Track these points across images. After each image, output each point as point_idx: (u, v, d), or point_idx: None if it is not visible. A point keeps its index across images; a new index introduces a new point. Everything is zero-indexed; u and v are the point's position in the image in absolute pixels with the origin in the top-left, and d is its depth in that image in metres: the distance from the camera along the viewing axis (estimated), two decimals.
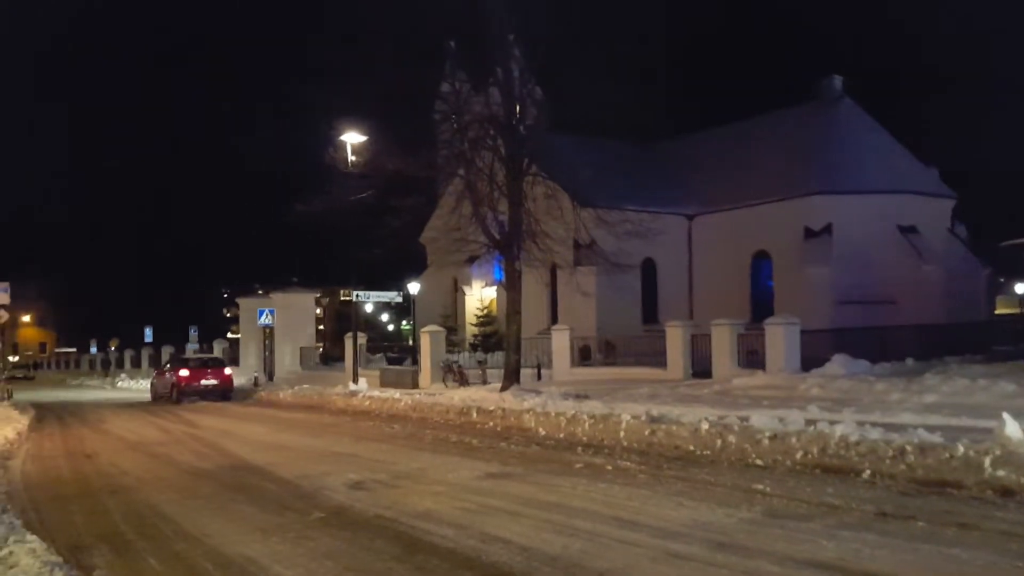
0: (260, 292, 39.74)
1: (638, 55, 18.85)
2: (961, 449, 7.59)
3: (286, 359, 34.67)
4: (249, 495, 8.33)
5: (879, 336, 21.24)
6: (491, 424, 14.03)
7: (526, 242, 19.56)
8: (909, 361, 18.61)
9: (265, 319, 31.78)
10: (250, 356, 35.98)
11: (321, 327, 63.48)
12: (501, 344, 21.97)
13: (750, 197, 29.06)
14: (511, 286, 19.84)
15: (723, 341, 19.71)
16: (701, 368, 20.23)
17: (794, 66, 44.74)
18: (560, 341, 23.67)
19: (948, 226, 28.60)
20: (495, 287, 31.73)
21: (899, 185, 27.47)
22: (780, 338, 18.43)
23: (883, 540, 5.71)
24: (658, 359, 21.44)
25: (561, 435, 12.07)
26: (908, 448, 7.94)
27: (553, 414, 12.89)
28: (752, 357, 19.37)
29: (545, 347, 24.00)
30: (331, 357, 36.64)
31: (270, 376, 33.02)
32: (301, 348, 35.17)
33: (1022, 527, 5.90)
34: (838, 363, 17.33)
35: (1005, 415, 7.87)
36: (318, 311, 52.33)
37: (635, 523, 6.41)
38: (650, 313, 29.99)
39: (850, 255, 26.47)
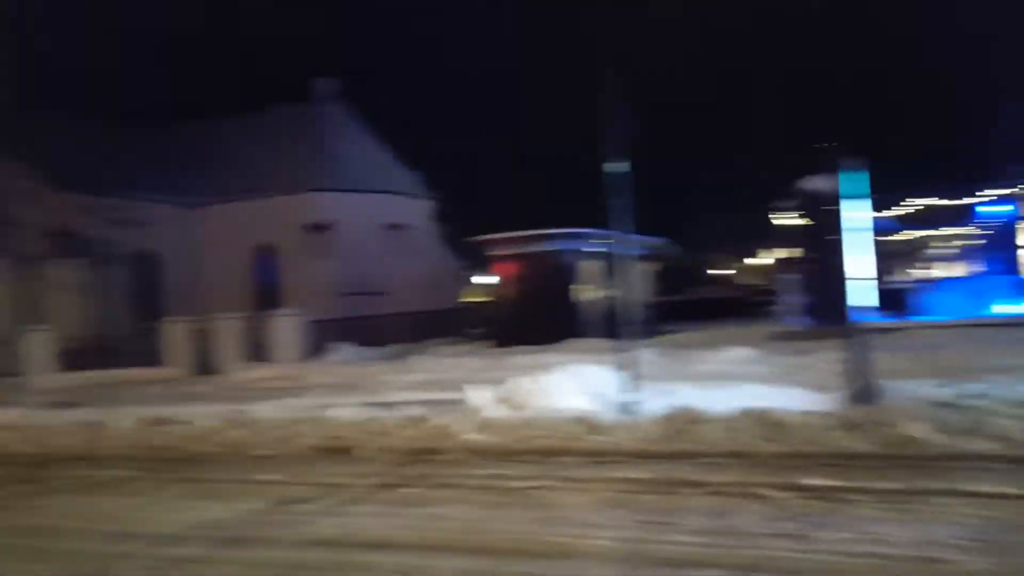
0: None
1: (126, 37, 17.40)
2: (440, 419, 8.79)
3: None
4: None
5: (376, 324, 23.17)
6: None
7: None
8: (398, 346, 20.68)
9: None
10: None
11: None
12: None
13: (256, 191, 28.97)
14: None
15: (230, 335, 19.43)
16: (206, 364, 19.63)
17: (291, 64, 45.87)
18: (38, 344, 20.69)
19: (429, 224, 32.34)
20: None
21: (389, 186, 30.13)
22: (285, 330, 18.88)
23: (382, 509, 6.37)
24: (160, 358, 20.17)
25: (46, 451, 10.62)
26: (397, 423, 8.91)
27: (31, 428, 11.27)
28: (260, 350, 19.47)
29: (22, 352, 20.72)
30: None
31: None
32: None
33: (492, 480, 7.11)
34: (341, 351, 18.44)
35: (467, 387, 9.35)
36: None
37: (130, 534, 6.05)
38: (150, 309, 27.92)
39: (349, 249, 28.21)
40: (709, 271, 54.26)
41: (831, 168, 8.78)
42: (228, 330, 19.49)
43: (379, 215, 29.53)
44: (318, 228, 28.55)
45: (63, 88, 17.29)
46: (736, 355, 13.43)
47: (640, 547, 5.06)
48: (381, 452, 8.58)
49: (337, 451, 8.83)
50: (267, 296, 28.13)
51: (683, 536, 5.19)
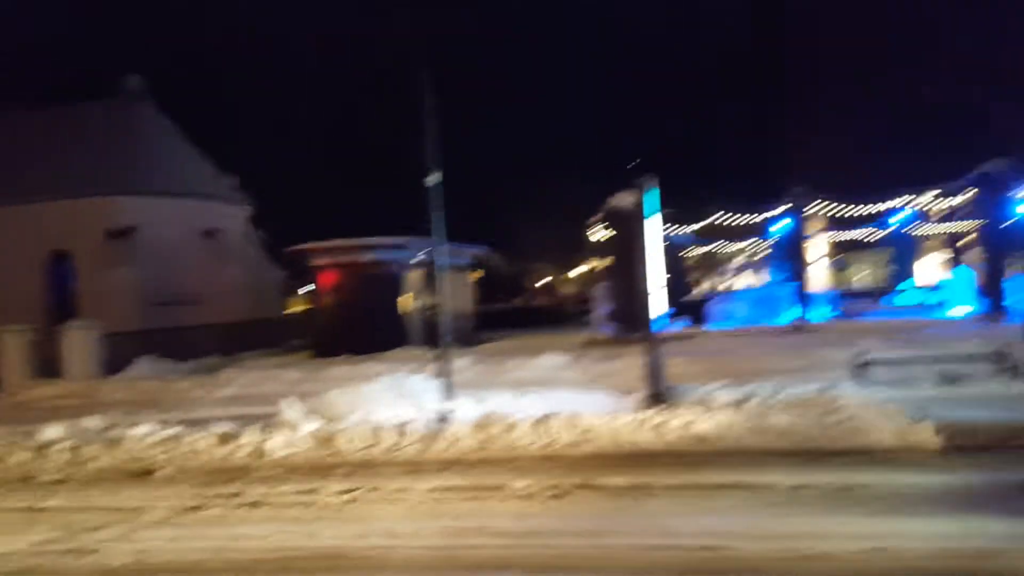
0: None
1: None
2: (251, 436, 8.50)
3: None
4: None
5: (185, 336, 21.92)
6: None
7: None
8: (211, 359, 19.70)
9: None
10: None
11: None
12: None
13: (48, 192, 26.55)
14: None
15: (16, 349, 17.70)
16: None
17: (96, 58, 42.41)
18: None
19: (246, 231, 31.03)
20: None
21: (201, 190, 28.61)
22: (79, 343, 17.46)
23: (183, 533, 6.07)
24: None
25: None
26: (205, 442, 8.52)
27: None
28: (51, 365, 17.86)
29: None
30: None
31: None
32: None
33: (304, 495, 6.95)
34: (142, 365, 17.32)
35: (282, 402, 9.12)
36: None
37: None
38: None
39: (156, 257, 26.48)
40: (531, 281, 55.96)
41: (634, 185, 9.39)
42: (14, 344, 17.73)
43: (191, 220, 27.95)
44: (121, 233, 26.58)
45: None
46: (549, 362, 13.97)
47: (448, 553, 5.18)
48: (185, 473, 8.17)
49: (136, 474, 8.29)
50: (62, 307, 25.84)
51: (489, 540, 5.37)
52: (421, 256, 20.12)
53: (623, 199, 14.15)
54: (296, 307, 35.84)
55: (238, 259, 29.22)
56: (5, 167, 27.11)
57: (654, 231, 9.09)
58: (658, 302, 8.95)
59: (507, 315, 31.71)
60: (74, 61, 44.54)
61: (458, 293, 21.07)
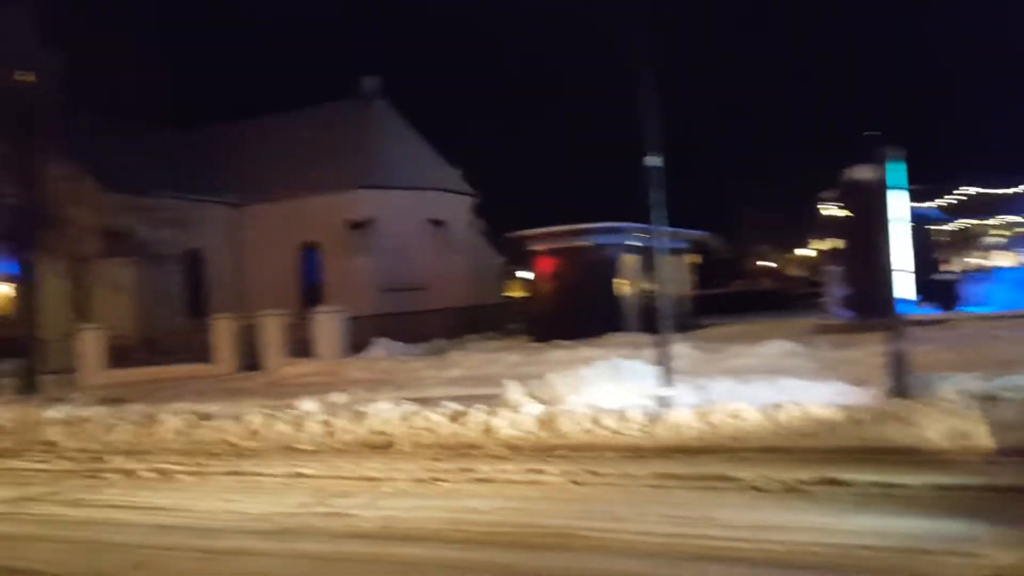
0: None
1: (169, 38, 17.74)
2: (478, 415, 8.86)
3: None
4: None
5: (414, 320, 23.35)
6: (2, 442, 12.11)
7: (43, 231, 17.19)
8: (438, 342, 20.83)
9: None
10: None
11: None
12: (16, 348, 18.99)
13: (298, 189, 29.39)
14: (26, 281, 17.28)
15: (273, 332, 19.77)
16: (252, 360, 20.01)
17: (336, 62, 46.33)
18: (90, 341, 21.31)
19: (469, 220, 32.46)
20: (7, 284, 27.15)
21: (429, 182, 30.33)
22: (327, 326, 19.15)
23: (417, 503, 6.47)
24: (207, 354, 20.61)
25: (96, 445, 10.96)
26: (436, 418, 9.01)
27: (84, 423, 11.64)
28: (303, 346, 19.78)
29: (75, 349, 21.36)
30: None
31: None
32: None
33: (523, 474, 7.16)
34: (379, 346, 18.66)
35: (506, 383, 9.40)
36: None
37: (179, 526, 6.25)
38: (197, 306, 28.56)
39: (390, 246, 28.47)
40: (752, 263, 53.56)
41: (874, 158, 8.61)
42: (272, 327, 19.84)
43: (420, 211, 29.74)
44: (360, 225, 28.86)
45: (109, 90, 17.66)
46: (775, 349, 13.26)
47: (673, 541, 5.05)
48: (419, 447, 8.69)
49: (377, 446, 8.96)
50: (310, 293, 28.56)
51: (717, 531, 5.18)
52: (639, 240, 19.91)
53: (862, 172, 13.04)
54: (514, 292, 36.91)
55: (462, 247, 30.64)
56: (263, 167, 30.36)
57: (898, 206, 8.28)
58: (902, 284, 8.16)
59: (726, 299, 30.60)
60: (317, 66, 48.85)
61: (676, 277, 20.66)
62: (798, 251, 50.79)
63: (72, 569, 5.37)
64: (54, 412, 12.97)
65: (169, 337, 23.40)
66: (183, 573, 5.19)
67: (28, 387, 16.63)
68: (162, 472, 8.60)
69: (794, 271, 50.83)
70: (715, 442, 7.58)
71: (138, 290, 24.84)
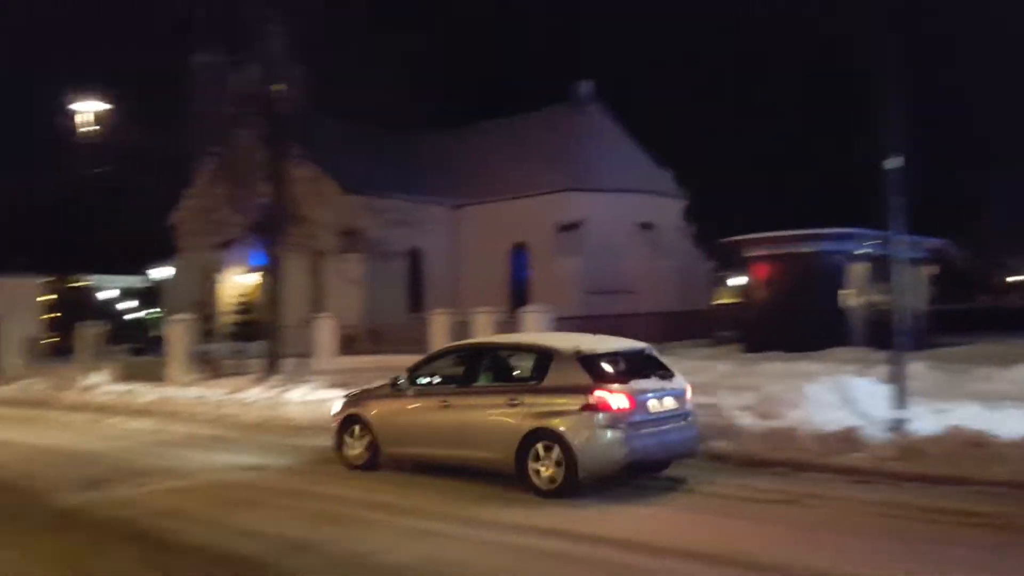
0: None
1: (406, 44, 18.86)
2: None
3: (12, 352, 30.72)
4: None
5: (620, 323, 23.13)
6: (250, 416, 13.51)
7: (289, 227, 18.96)
8: None
9: None
10: None
11: (53, 316, 56.67)
12: (261, 333, 21.14)
13: (510, 191, 30.30)
14: (272, 273, 19.15)
15: (485, 328, 20.46)
16: None
17: (549, 68, 47.25)
18: (325, 330, 23.24)
19: (679, 223, 31.75)
20: (255, 274, 30.38)
21: (639, 185, 30.01)
22: (535, 325, 19.52)
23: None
24: (424, 346, 21.71)
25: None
26: None
27: (316, 403, 12.69)
28: None
29: (310, 336, 23.42)
30: (64, 349, 32.95)
31: None
32: (28, 339, 31.33)
33: (730, 488, 6.82)
34: None
35: (718, 392, 9.05)
36: (48, 298, 46.68)
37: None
38: (416, 301, 30.30)
39: (598, 248, 28.53)
40: (1001, 277, 47.86)
41: None
42: (484, 323, 20.52)
43: (630, 214, 29.54)
44: (569, 227, 29.19)
45: (345, 96, 19.10)
46: None
47: None
48: None
49: None
50: (518, 292, 29.32)
51: (957, 573, 4.63)
52: (868, 248, 18.43)
53: None
54: (723, 299, 35.65)
55: (670, 251, 30.04)
56: (480, 170, 31.62)
57: None
58: None
59: (969, 316, 27.55)
60: (537, 72, 50.04)
61: (911, 290, 18.89)
62: None
63: (287, 532, 5.81)
64: (290, 393, 14.25)
65: (390, 329, 24.95)
66: None
67: (269, 369, 18.40)
68: None
69: None
70: (956, 473, 6.81)
71: (366, 284, 26.74)
